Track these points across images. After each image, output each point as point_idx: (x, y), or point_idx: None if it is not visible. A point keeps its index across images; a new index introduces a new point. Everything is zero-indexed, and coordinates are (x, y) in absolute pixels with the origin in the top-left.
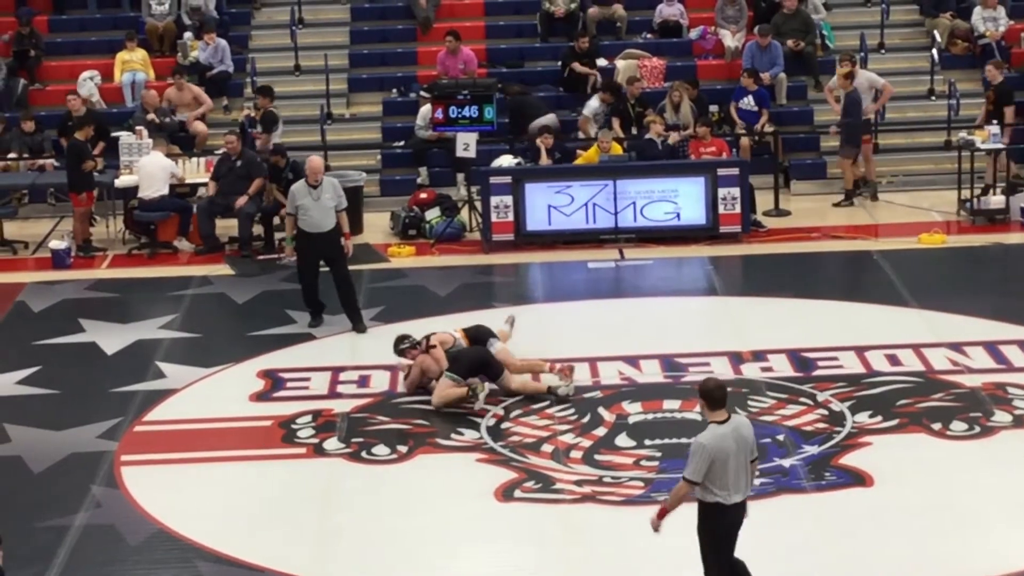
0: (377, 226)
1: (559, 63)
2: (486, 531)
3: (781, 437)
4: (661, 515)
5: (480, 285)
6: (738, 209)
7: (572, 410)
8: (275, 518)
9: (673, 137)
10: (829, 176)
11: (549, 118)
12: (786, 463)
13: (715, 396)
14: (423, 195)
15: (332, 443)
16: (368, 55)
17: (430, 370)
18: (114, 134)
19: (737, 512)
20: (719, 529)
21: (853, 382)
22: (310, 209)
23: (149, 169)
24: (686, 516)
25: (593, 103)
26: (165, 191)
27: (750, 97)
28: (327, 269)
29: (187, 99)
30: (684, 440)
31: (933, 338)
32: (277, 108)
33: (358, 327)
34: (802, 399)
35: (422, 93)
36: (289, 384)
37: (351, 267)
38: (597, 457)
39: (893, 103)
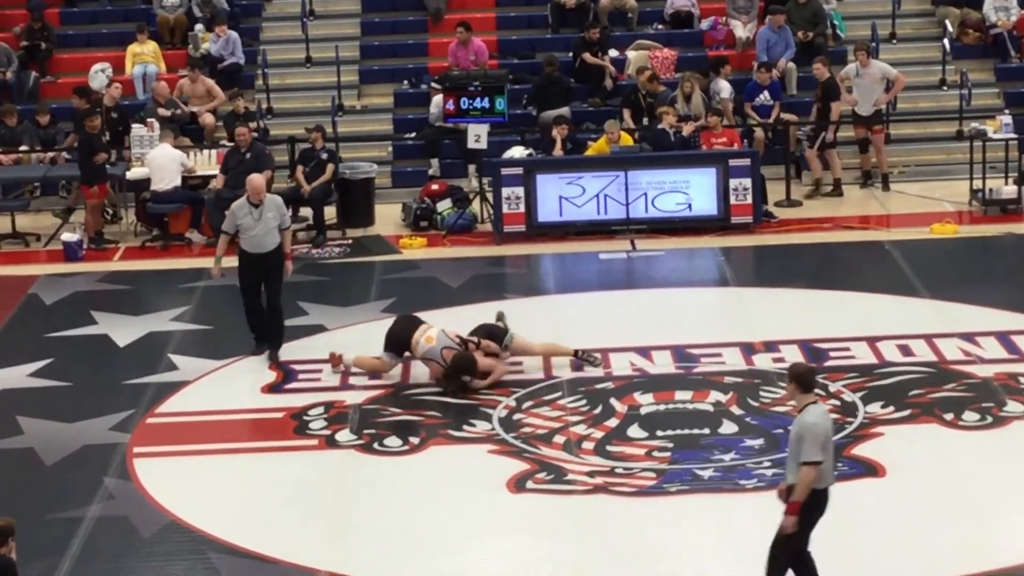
0: (389, 217)
1: (570, 54)
2: (498, 522)
3: None
4: (794, 511)
5: (492, 276)
6: (749, 200)
7: (584, 401)
8: (287, 510)
9: (687, 128)
10: (841, 167)
11: (564, 110)
12: None
13: (808, 379)
14: (435, 186)
15: (344, 435)
16: (379, 46)
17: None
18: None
19: (825, 500)
20: (808, 516)
21: (865, 372)
22: (252, 229)
23: (160, 161)
24: (698, 505)
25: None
26: (178, 182)
27: (766, 93)
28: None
29: (200, 92)
30: (695, 431)
31: (945, 328)
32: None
33: (272, 354)
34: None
35: (433, 84)
36: (301, 376)
37: (364, 258)
38: (609, 448)
39: (905, 93)
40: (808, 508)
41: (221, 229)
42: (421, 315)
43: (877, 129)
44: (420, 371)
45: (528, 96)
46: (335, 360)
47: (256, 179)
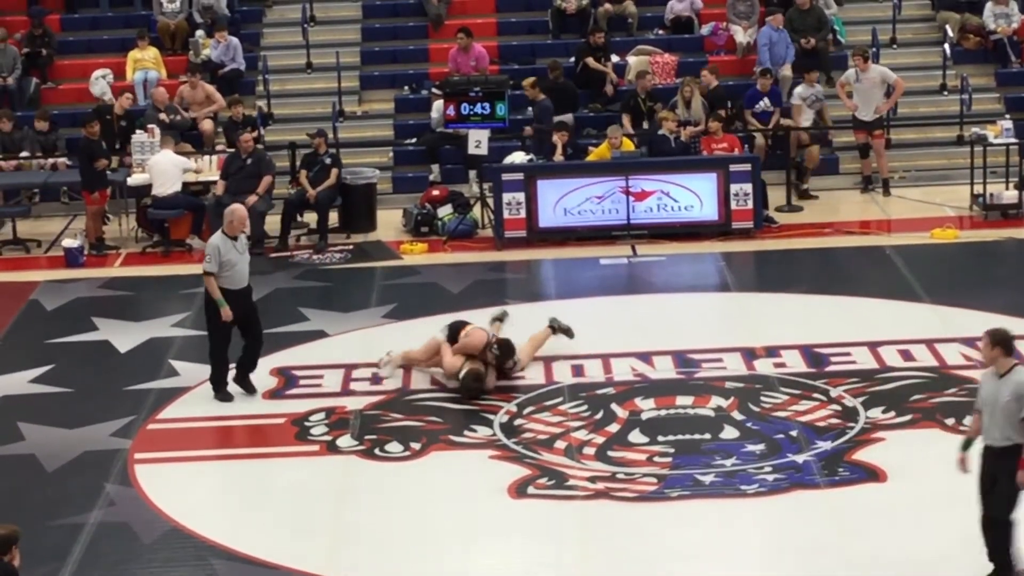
0: (389, 223)
1: (571, 59)
2: (500, 528)
3: (795, 433)
4: None
5: (493, 282)
6: (750, 205)
7: (585, 406)
8: (289, 515)
9: (685, 133)
10: (842, 172)
11: (567, 116)
12: (800, 459)
13: (1011, 343)
14: (435, 192)
15: (345, 440)
16: (380, 52)
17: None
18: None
19: None
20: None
21: (866, 377)
22: (237, 263)
23: (161, 167)
24: (700, 510)
25: (799, 89)
26: (178, 187)
27: (766, 100)
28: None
29: (200, 97)
30: (697, 436)
31: (946, 333)
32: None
33: (250, 390)
34: (815, 395)
35: (434, 90)
36: (302, 382)
37: (364, 264)
38: (610, 453)
39: (905, 98)
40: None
41: (206, 272)
42: (424, 321)
43: (878, 134)
44: (421, 376)
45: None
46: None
47: (240, 210)
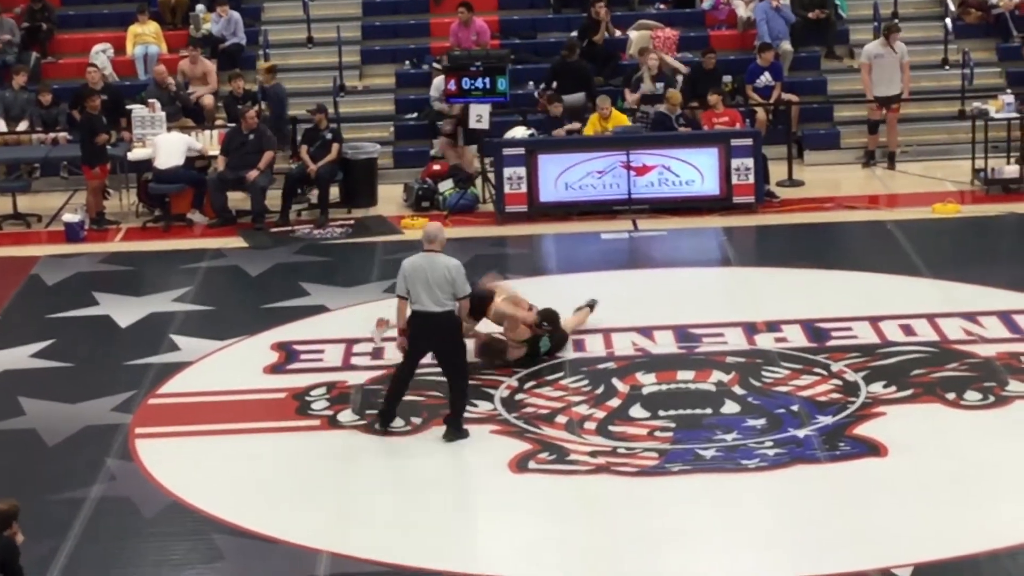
0: (390, 198)
1: (575, 33)
2: (501, 502)
3: (795, 408)
4: None
5: (494, 256)
6: (752, 180)
7: (586, 381)
8: (290, 490)
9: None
10: (843, 146)
11: (578, 96)
12: (800, 433)
13: None
14: (436, 167)
15: (346, 415)
16: (381, 27)
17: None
18: (127, 107)
19: None
20: None
21: (867, 352)
22: None
23: (168, 141)
24: (700, 485)
25: (871, 48)
26: (180, 161)
27: (767, 74)
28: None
29: (199, 73)
30: (698, 411)
31: (947, 308)
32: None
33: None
34: (816, 369)
35: (435, 65)
36: (303, 356)
37: (365, 239)
38: (611, 428)
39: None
40: None
41: (467, 295)
42: None
43: (894, 108)
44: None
45: (544, 81)
46: (380, 324)
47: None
